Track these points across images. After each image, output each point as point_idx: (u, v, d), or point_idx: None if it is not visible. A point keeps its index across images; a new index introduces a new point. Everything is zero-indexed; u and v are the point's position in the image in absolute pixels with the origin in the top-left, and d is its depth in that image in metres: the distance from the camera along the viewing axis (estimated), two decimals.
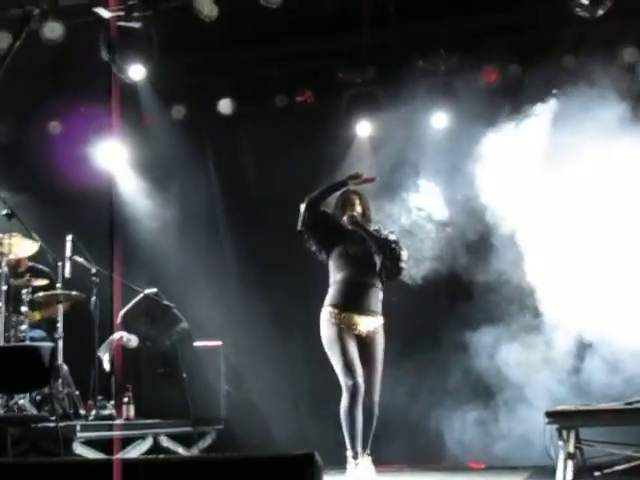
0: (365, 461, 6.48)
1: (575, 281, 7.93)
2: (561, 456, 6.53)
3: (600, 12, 7.91)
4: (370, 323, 6.58)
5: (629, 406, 6.62)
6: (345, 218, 6.70)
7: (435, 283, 8.10)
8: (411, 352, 8.65)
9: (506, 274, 8.27)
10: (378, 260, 6.62)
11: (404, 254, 6.67)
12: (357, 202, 6.79)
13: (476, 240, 8.45)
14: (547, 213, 7.94)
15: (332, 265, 6.72)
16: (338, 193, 6.83)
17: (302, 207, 6.69)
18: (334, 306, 6.58)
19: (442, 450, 8.51)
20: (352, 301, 6.58)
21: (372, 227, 6.77)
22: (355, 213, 6.72)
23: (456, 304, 8.87)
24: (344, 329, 6.51)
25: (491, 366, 8.48)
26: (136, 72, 8.73)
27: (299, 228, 6.71)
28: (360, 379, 6.42)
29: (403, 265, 6.67)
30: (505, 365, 8.43)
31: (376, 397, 6.54)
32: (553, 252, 7.98)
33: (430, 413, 8.65)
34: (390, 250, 6.62)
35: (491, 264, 8.33)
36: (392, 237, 6.72)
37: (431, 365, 8.76)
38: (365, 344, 6.56)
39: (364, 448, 6.51)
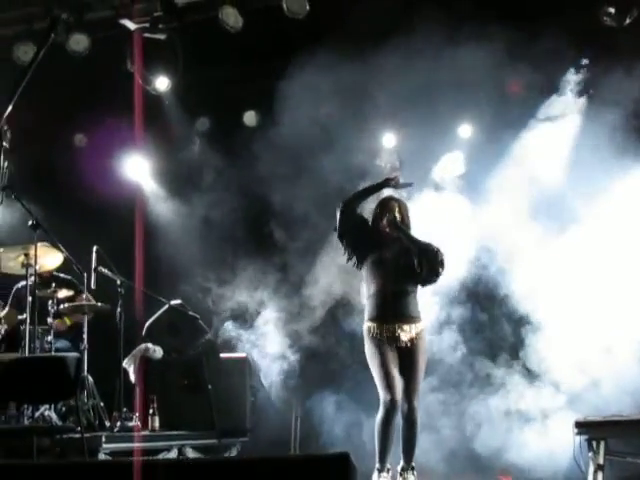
0: (408, 476, 6.47)
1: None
2: (591, 468, 6.45)
3: (628, 21, 7.88)
4: (411, 330, 6.50)
5: None
6: (385, 220, 6.61)
7: None
8: None
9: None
10: (416, 263, 6.50)
11: (445, 260, 6.55)
12: (396, 209, 6.69)
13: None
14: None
15: (366, 276, 6.68)
16: (376, 199, 6.79)
17: (338, 210, 6.68)
18: (372, 320, 6.57)
19: (471, 462, 8.43)
20: (389, 311, 6.53)
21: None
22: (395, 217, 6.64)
23: None
24: (383, 342, 6.49)
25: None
26: (161, 84, 8.75)
27: (337, 232, 6.71)
28: (398, 396, 6.36)
29: (442, 271, 6.55)
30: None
31: (415, 402, 6.45)
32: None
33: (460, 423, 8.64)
34: (433, 254, 6.50)
35: None
36: (434, 243, 6.59)
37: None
38: (407, 353, 6.49)
39: (407, 462, 6.50)
